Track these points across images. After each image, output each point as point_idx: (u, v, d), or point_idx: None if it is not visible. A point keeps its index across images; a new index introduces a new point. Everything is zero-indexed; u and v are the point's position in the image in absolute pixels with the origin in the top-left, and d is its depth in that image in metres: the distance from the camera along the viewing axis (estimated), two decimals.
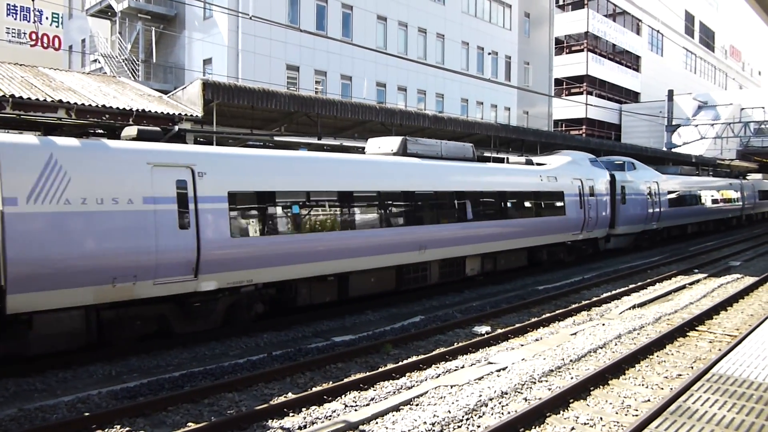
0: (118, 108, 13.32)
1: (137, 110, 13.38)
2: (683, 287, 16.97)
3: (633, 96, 60.17)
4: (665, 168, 30.62)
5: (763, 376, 5.92)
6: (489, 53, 39.34)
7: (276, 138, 16.70)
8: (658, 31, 63.72)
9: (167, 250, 9.68)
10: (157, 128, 11.06)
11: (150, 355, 10.09)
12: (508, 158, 19.69)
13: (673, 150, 41.87)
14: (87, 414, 7.40)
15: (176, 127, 14.02)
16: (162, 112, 13.93)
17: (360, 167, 13.74)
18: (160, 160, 9.90)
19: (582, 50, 52.53)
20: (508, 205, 17.39)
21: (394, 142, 15.23)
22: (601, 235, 22.68)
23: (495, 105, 39.91)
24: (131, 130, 10.11)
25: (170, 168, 9.97)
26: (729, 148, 52.68)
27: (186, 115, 14.23)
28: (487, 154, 20.34)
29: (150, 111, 13.61)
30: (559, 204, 19.55)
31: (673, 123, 44.31)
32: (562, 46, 53.17)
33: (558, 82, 49.86)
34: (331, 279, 12.73)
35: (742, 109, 55.26)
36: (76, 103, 12.88)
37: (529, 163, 19.93)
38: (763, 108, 51.36)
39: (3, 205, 8.25)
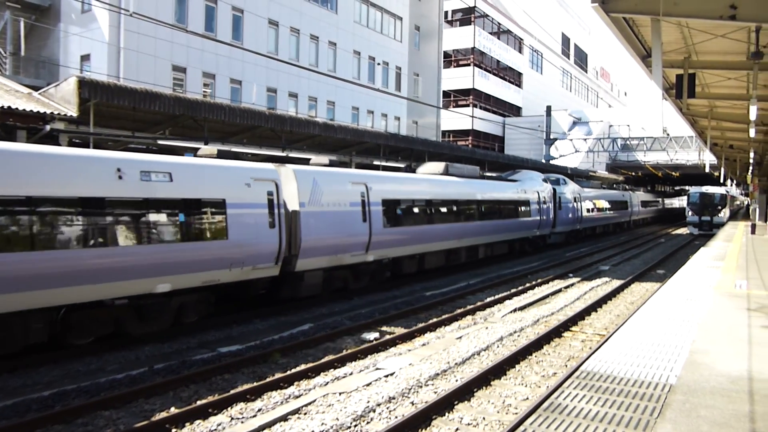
0: None
1: (2, 107, 12.24)
2: (559, 291, 18.11)
3: (515, 110, 63.55)
4: (580, 182, 37.42)
5: (624, 371, 6.44)
6: (380, 63, 40.00)
7: (160, 141, 16.00)
8: (537, 51, 67.82)
9: (356, 234, 15.52)
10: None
11: (15, 374, 9.29)
12: (492, 175, 27.66)
13: (551, 162, 44.59)
14: None
15: (47, 127, 13.00)
16: (32, 111, 12.82)
17: (434, 183, 19.98)
18: (354, 180, 15.82)
19: (469, 65, 54.79)
20: (502, 209, 24.12)
21: (439, 165, 21.42)
22: (547, 233, 29.67)
23: (385, 114, 40.62)
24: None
25: (358, 184, 15.85)
26: (600, 161, 56.99)
27: (59, 114, 13.21)
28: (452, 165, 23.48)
29: (18, 109, 12.47)
30: (527, 209, 26.50)
31: (551, 137, 47.29)
32: (450, 60, 55.17)
33: (446, 94, 51.64)
34: (416, 257, 18.75)
35: (611, 126, 59.88)
36: None
37: (504, 179, 27.30)
38: (628, 125, 56.01)
39: (299, 207, 13.73)
